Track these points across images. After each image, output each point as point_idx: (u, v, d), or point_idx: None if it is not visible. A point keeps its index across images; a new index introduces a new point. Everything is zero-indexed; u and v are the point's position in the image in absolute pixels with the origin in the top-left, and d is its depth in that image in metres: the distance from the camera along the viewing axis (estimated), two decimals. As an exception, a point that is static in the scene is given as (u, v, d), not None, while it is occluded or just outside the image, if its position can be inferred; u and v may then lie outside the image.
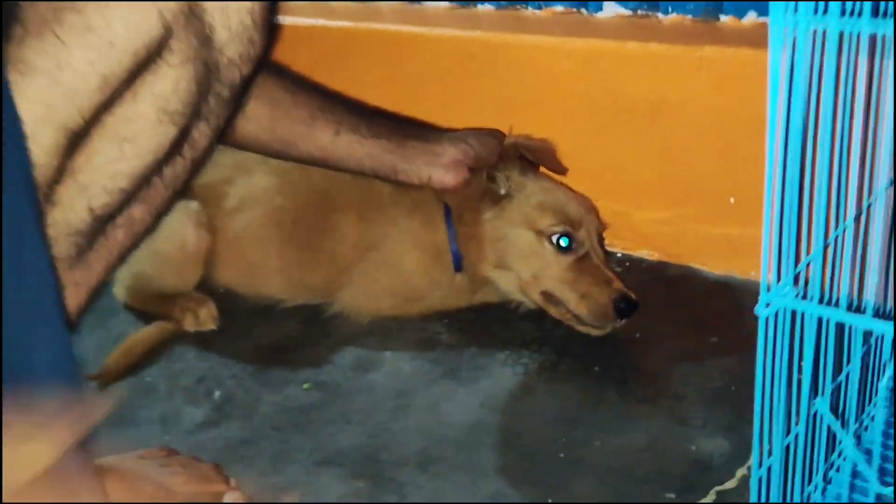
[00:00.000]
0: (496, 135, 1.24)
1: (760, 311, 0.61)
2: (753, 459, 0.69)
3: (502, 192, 1.19)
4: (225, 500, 0.87)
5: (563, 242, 1.14)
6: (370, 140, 1.16)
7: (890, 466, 0.72)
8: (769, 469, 0.68)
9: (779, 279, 0.61)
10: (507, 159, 1.20)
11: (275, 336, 1.20)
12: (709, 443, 0.95)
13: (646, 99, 1.23)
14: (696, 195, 1.25)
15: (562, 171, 1.24)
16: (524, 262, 1.17)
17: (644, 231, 1.30)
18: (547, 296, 1.16)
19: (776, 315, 0.61)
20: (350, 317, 1.22)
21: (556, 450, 0.96)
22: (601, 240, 1.20)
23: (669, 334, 1.15)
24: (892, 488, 0.57)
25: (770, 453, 0.68)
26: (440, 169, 1.18)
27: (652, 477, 0.91)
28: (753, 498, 0.68)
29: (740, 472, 0.90)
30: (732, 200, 1.22)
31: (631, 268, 1.31)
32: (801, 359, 0.63)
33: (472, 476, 0.92)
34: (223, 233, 1.24)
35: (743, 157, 1.18)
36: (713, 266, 1.27)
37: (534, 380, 1.09)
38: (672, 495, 0.88)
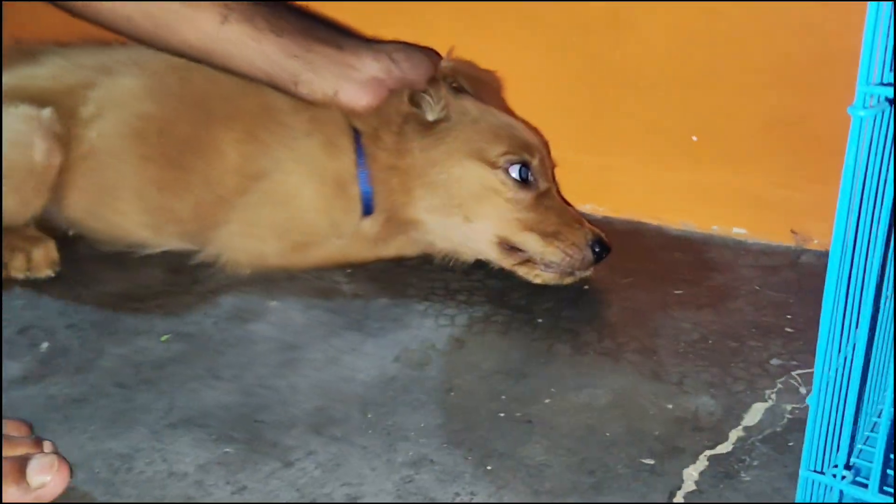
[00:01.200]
0: (430, 54, 1.00)
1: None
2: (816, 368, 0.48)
3: (430, 117, 0.95)
4: (31, 467, 0.61)
5: (521, 174, 0.93)
6: (267, 36, 0.91)
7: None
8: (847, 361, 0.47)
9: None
10: (438, 86, 0.96)
11: (130, 284, 0.94)
12: (690, 401, 0.74)
13: (602, 8, 1.03)
14: (652, 135, 1.05)
15: (506, 112, 1.02)
16: (473, 202, 0.93)
17: (590, 180, 1.10)
18: (503, 243, 0.93)
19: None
20: (227, 266, 0.96)
21: (496, 408, 0.73)
22: (554, 177, 0.99)
23: (625, 286, 0.94)
24: None
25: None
26: (353, 85, 0.94)
27: (622, 439, 0.69)
28: (812, 419, 0.47)
29: (734, 433, 0.69)
30: (695, 139, 1.03)
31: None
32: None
33: (385, 440, 0.68)
34: (75, 147, 0.96)
35: (710, 83, 1.00)
36: (669, 219, 1.07)
37: (463, 332, 0.85)
38: (650, 461, 0.66)
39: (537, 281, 0.93)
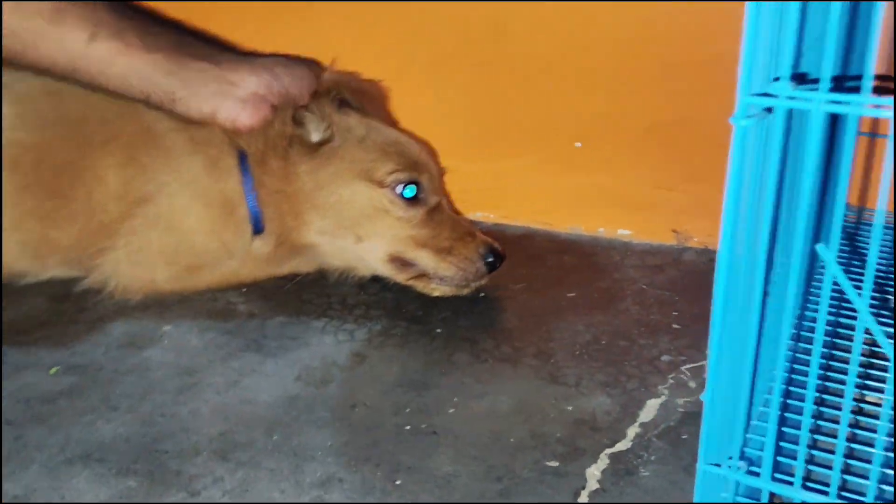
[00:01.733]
0: (311, 66, 0.99)
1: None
2: (710, 366, 0.50)
3: (315, 138, 0.94)
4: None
5: (410, 192, 0.92)
6: (139, 53, 0.88)
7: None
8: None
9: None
10: (322, 100, 0.95)
11: (11, 315, 0.90)
12: (588, 401, 0.76)
13: (484, 17, 1.05)
14: (537, 141, 1.08)
15: (391, 123, 1.03)
16: (364, 223, 0.93)
17: (480, 188, 1.12)
18: (396, 260, 0.93)
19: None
20: (116, 292, 0.93)
21: (401, 421, 0.73)
22: (444, 188, 1.00)
23: (520, 292, 0.96)
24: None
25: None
26: (232, 102, 0.92)
27: (526, 443, 0.70)
28: (707, 416, 0.50)
29: (632, 430, 0.72)
30: (579, 145, 1.06)
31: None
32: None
33: (292, 461, 0.68)
34: None
35: (591, 85, 1.03)
36: (557, 224, 1.10)
37: (363, 347, 0.85)
38: (555, 463, 0.68)
39: (434, 293, 0.94)
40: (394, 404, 0.76)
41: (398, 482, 0.66)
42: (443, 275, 0.92)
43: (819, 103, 0.42)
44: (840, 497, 0.47)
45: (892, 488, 0.58)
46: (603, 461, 0.68)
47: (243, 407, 0.75)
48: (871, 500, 0.50)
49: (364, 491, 0.65)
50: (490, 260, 0.92)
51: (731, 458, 0.51)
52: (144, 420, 0.73)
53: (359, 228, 0.93)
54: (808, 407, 0.49)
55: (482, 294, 0.95)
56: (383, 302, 0.94)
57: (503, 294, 0.96)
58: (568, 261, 1.04)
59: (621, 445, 0.70)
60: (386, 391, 0.78)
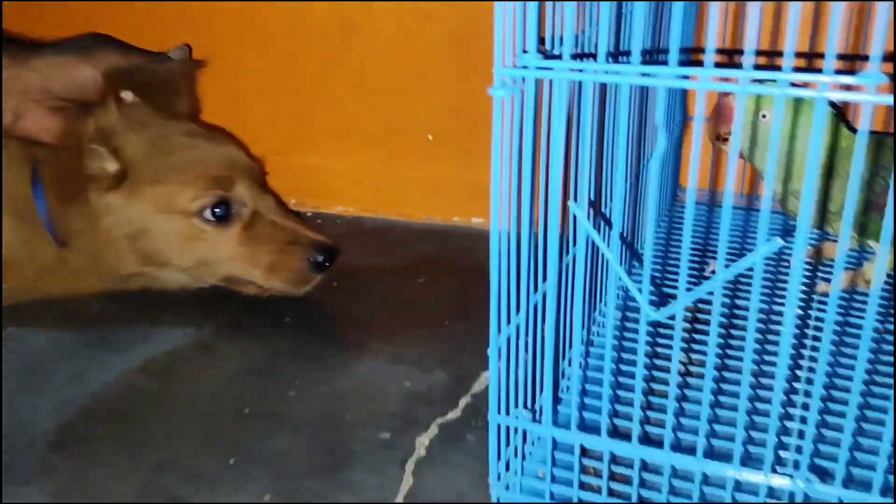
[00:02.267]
0: (88, 50, 0.91)
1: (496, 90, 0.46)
2: (492, 329, 0.54)
3: (111, 168, 0.87)
4: None
5: (220, 213, 0.88)
6: None
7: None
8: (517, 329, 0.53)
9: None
10: (107, 102, 0.87)
11: None
12: (425, 378, 0.79)
13: (333, 17, 1.08)
14: (390, 136, 1.11)
15: (194, 108, 0.98)
16: (183, 254, 0.89)
17: (337, 183, 1.14)
18: (229, 280, 0.92)
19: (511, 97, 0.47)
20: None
21: (241, 406, 0.75)
22: (265, 185, 0.95)
23: (373, 280, 0.99)
24: (663, 311, 0.45)
25: (509, 319, 0.53)
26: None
27: (362, 419, 0.73)
28: (493, 373, 0.53)
29: (463, 401, 0.76)
30: (431, 138, 1.10)
31: (324, 225, 1.13)
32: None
33: (130, 449, 0.69)
34: None
35: (440, 83, 1.07)
36: (414, 215, 1.14)
37: (211, 339, 0.87)
38: (387, 435, 0.71)
39: (278, 292, 0.91)
40: (236, 391, 0.77)
41: (231, 461, 0.68)
42: (270, 287, 0.90)
43: (562, 72, 0.46)
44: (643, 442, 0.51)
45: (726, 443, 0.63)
46: (433, 430, 0.72)
47: (85, 401, 0.76)
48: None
49: (196, 472, 0.67)
50: (320, 259, 0.90)
51: (517, 408, 0.54)
52: (-19, 419, 0.73)
53: (178, 258, 0.90)
54: (608, 365, 0.52)
55: (335, 283, 0.98)
56: (234, 294, 0.95)
57: (355, 283, 0.98)
58: (423, 250, 1.07)
59: (452, 415, 0.74)
60: (229, 379, 0.80)
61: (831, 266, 0.87)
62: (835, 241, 0.87)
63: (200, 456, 0.68)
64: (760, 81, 0.41)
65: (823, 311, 0.79)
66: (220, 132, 0.97)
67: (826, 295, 0.82)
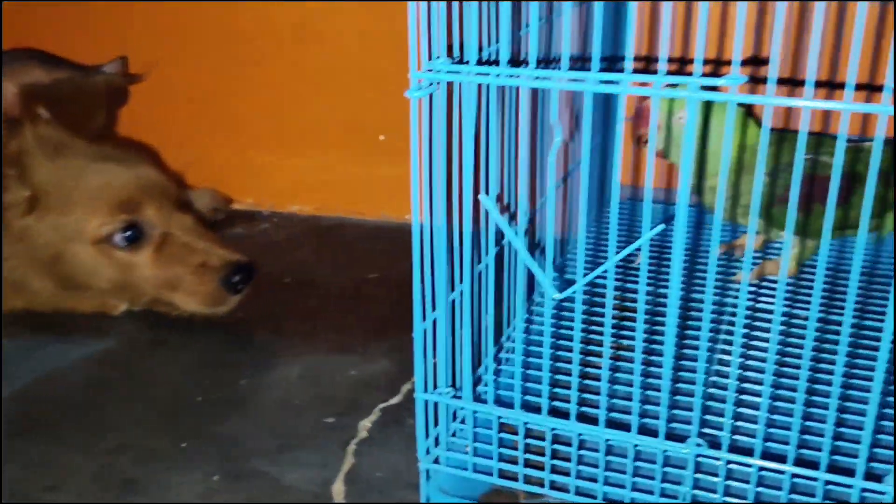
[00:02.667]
0: (10, 65, 0.94)
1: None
2: (415, 313, 0.58)
3: (22, 194, 0.88)
4: None
5: (130, 236, 0.89)
6: None
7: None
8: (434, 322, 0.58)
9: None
10: (23, 122, 0.87)
11: None
12: (371, 367, 0.84)
13: (291, 21, 1.12)
14: (345, 135, 1.16)
15: (112, 121, 1.00)
16: (97, 279, 0.90)
17: (293, 182, 1.18)
18: (154, 302, 0.93)
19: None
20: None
21: (196, 394, 0.79)
22: (182, 204, 0.95)
23: (324, 276, 1.03)
24: (566, 293, 0.49)
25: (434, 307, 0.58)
26: None
27: (309, 404, 0.78)
28: (418, 354, 0.58)
29: (405, 387, 0.80)
30: (382, 138, 1.14)
31: (280, 224, 1.18)
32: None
33: (86, 434, 0.73)
34: None
35: (393, 87, 1.11)
36: (368, 213, 1.18)
37: (165, 334, 0.91)
38: (331, 419, 0.75)
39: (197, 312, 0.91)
40: (191, 381, 0.82)
41: (183, 445, 0.72)
42: (192, 310, 0.91)
43: (468, 75, 0.50)
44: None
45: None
46: (375, 414, 0.76)
47: (46, 391, 0.80)
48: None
49: (148, 455, 0.71)
50: (235, 280, 0.89)
51: (439, 386, 0.59)
52: (-55, 410, 0.77)
53: (96, 282, 0.91)
54: (547, 341, 0.56)
55: (287, 280, 1.02)
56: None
57: (309, 279, 1.02)
58: (376, 246, 1.11)
59: (394, 400, 0.78)
60: (183, 371, 0.84)
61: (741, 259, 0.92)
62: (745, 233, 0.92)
63: (154, 440, 0.73)
64: (673, 85, 0.46)
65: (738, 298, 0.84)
66: (134, 151, 0.97)
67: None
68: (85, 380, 0.82)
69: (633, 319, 0.83)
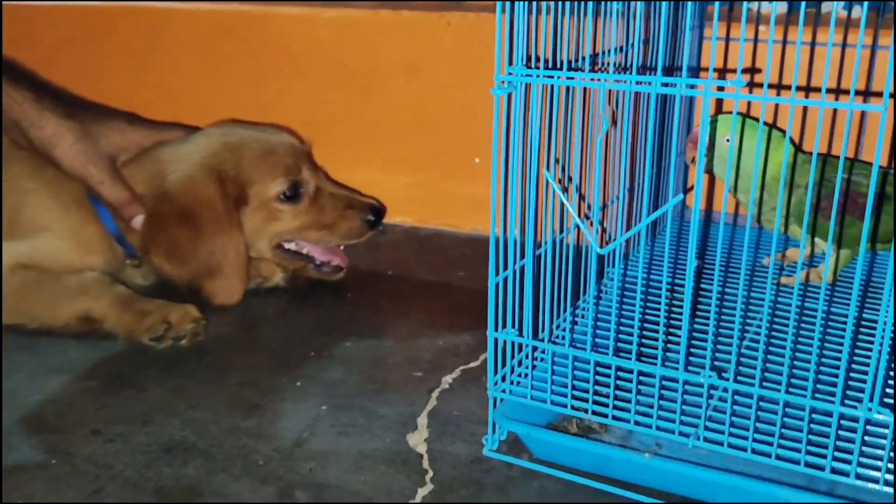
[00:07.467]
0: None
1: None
2: (490, 267, 0.72)
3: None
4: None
5: (291, 193, 1.07)
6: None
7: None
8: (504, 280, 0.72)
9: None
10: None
11: None
12: (455, 339, 0.98)
13: (399, 61, 1.30)
14: (443, 157, 1.32)
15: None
16: (258, 235, 1.08)
17: (396, 197, 1.35)
18: (282, 249, 1.10)
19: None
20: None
21: (308, 350, 0.95)
22: (316, 164, 1.15)
23: (419, 272, 1.19)
24: (607, 248, 0.63)
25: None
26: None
27: (401, 363, 0.93)
28: (491, 297, 0.72)
29: (483, 355, 0.94)
30: (478, 161, 1.30)
31: (385, 232, 1.34)
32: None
33: (217, 373, 0.90)
34: None
35: (485, 118, 1.27)
36: (461, 226, 1.33)
37: (287, 304, 1.08)
38: (419, 373, 0.90)
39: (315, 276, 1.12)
40: (305, 340, 0.98)
41: (298, 384, 0.88)
42: (332, 241, 1.10)
43: (538, 78, 0.65)
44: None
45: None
46: (457, 373, 0.90)
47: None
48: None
49: (269, 389, 0.87)
50: (371, 219, 1.10)
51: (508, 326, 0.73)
52: (110, 350, 0.95)
53: (253, 239, 1.08)
54: (591, 300, 0.70)
55: (388, 272, 1.18)
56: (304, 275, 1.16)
57: (406, 274, 1.18)
58: (465, 252, 1.26)
59: (473, 364, 0.92)
60: (300, 333, 1.00)
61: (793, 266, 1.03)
62: (796, 246, 1.04)
63: (274, 379, 0.89)
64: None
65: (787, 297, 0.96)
66: (273, 127, 1.16)
67: (787, 286, 0.99)
68: (216, 336, 0.99)
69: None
